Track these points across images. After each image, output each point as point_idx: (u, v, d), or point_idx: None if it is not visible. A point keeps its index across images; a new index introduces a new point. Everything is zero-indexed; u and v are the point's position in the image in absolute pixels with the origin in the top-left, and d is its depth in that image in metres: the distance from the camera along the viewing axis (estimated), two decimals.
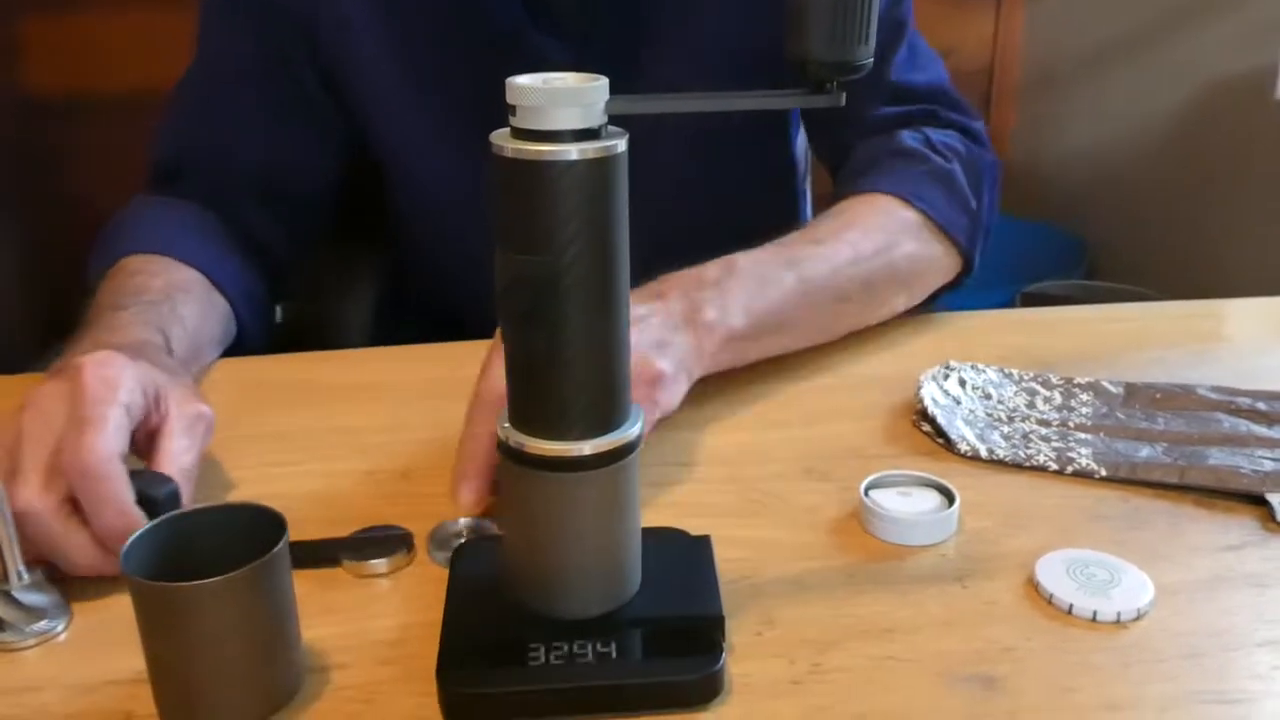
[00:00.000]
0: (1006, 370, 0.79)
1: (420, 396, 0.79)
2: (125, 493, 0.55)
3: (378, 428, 0.74)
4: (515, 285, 0.48)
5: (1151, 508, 0.64)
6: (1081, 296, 2.04)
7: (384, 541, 0.61)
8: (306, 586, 0.58)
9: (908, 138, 0.90)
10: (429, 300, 1.05)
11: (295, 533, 0.50)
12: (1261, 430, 0.70)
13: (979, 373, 0.78)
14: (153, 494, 0.57)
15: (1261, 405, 0.73)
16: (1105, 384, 0.77)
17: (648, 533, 0.54)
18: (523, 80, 0.46)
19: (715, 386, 0.77)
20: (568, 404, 0.49)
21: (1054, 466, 0.68)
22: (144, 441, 0.61)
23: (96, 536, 0.56)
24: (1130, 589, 0.56)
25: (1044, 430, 0.72)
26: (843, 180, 0.93)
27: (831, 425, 0.74)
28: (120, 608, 0.49)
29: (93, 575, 0.57)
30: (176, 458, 0.60)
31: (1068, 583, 0.56)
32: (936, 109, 0.93)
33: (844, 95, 0.50)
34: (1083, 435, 0.71)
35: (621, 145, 0.47)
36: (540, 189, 0.46)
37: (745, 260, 0.77)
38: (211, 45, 0.93)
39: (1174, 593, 0.57)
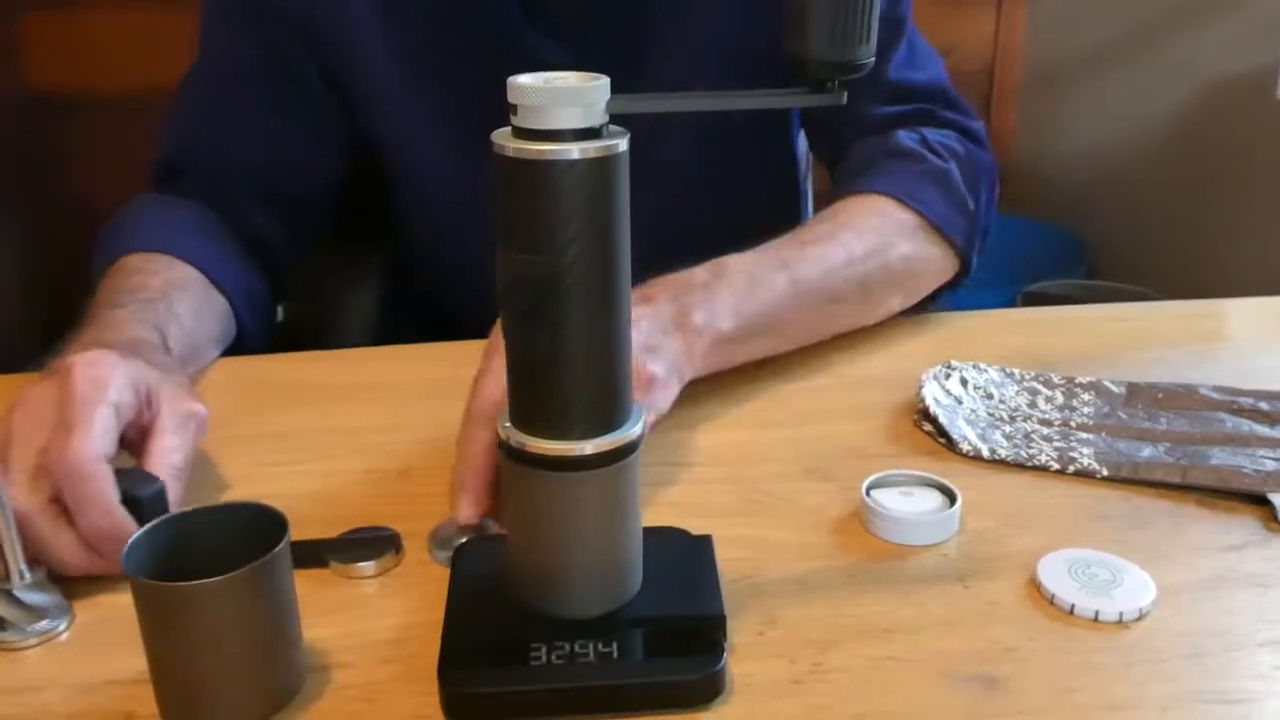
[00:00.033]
0: (1008, 370, 0.79)
1: (420, 396, 0.79)
2: (110, 493, 0.55)
3: (377, 427, 0.74)
4: (516, 284, 0.48)
5: (1153, 508, 0.64)
6: (1082, 296, 2.04)
7: (372, 543, 0.60)
8: (308, 586, 0.58)
9: (904, 138, 0.90)
10: (430, 300, 1.05)
11: (295, 532, 0.50)
12: (1264, 430, 0.70)
13: (981, 372, 0.78)
14: (138, 494, 0.57)
15: (1264, 405, 0.73)
16: (1107, 384, 0.77)
17: (649, 532, 0.54)
18: (524, 79, 0.46)
19: (717, 386, 0.77)
20: (569, 403, 0.49)
21: (1056, 466, 0.68)
22: (136, 439, 0.61)
23: (82, 537, 0.56)
24: (1132, 589, 0.56)
25: (1046, 430, 0.72)
26: (839, 181, 0.93)
27: (833, 425, 0.74)
28: (122, 607, 0.49)
29: (80, 575, 0.57)
30: (167, 456, 0.60)
31: (1069, 583, 0.56)
32: (934, 108, 0.93)
33: (845, 94, 0.50)
34: (1085, 435, 0.71)
35: (623, 145, 0.47)
36: (541, 188, 0.46)
37: (735, 263, 0.76)
38: (212, 46, 0.93)
39: (1176, 593, 0.56)
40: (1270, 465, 0.66)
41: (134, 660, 0.49)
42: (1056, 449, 0.69)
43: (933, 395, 0.73)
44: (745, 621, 0.55)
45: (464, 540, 0.60)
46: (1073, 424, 0.72)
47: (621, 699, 0.49)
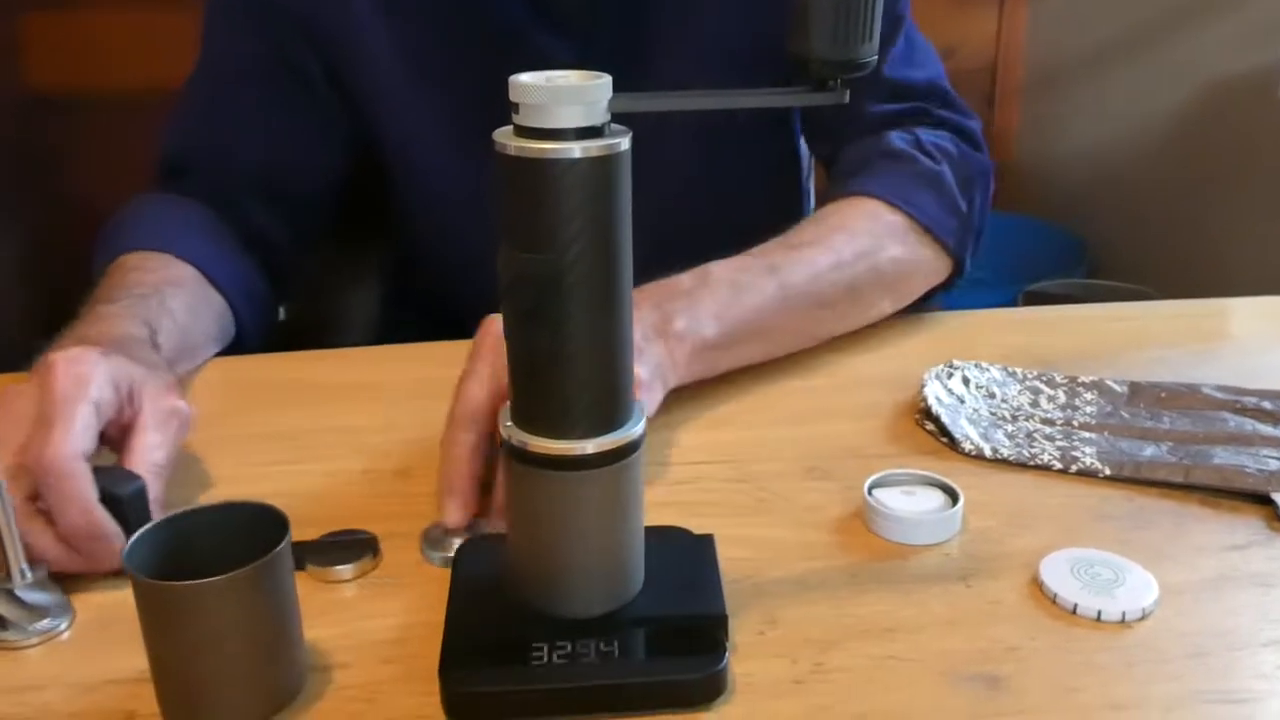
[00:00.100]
0: (1010, 369, 0.79)
1: (420, 396, 0.78)
2: (88, 491, 0.55)
3: (376, 427, 0.74)
4: (518, 283, 0.48)
5: (1156, 507, 0.64)
6: (1083, 295, 2.04)
7: (350, 546, 0.60)
8: (309, 585, 0.58)
9: (896, 139, 0.89)
10: (432, 298, 1.05)
11: (293, 532, 0.50)
12: (1267, 429, 0.70)
13: (983, 371, 0.78)
14: (118, 492, 0.57)
15: (1267, 404, 0.73)
16: (1109, 383, 0.76)
17: (650, 532, 0.54)
18: (526, 78, 0.46)
19: (718, 386, 0.77)
20: (570, 402, 0.49)
21: (1058, 466, 0.68)
22: (118, 437, 0.61)
23: (61, 535, 0.56)
24: (1135, 588, 0.56)
25: (1048, 429, 0.72)
26: (832, 181, 0.93)
27: (835, 424, 0.74)
28: (123, 607, 0.49)
29: (59, 572, 0.57)
30: (148, 453, 0.60)
31: (1072, 582, 0.56)
32: (930, 107, 0.93)
33: (847, 93, 0.50)
34: (1087, 434, 0.71)
35: (625, 143, 0.47)
36: (543, 187, 0.46)
37: (721, 269, 0.76)
38: (214, 45, 0.93)
39: (1179, 592, 0.56)
40: (1274, 465, 0.66)
41: (135, 659, 0.49)
42: (1059, 448, 0.69)
43: (935, 394, 0.73)
44: (747, 621, 0.55)
45: (454, 538, 0.60)
46: (1075, 423, 0.72)
47: (623, 699, 0.49)
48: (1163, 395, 0.75)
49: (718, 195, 0.96)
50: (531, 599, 0.53)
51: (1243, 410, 0.73)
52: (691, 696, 0.50)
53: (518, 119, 0.46)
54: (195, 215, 0.89)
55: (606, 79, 0.46)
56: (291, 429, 0.75)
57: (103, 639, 0.55)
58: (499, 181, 0.47)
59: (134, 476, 0.58)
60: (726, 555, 0.57)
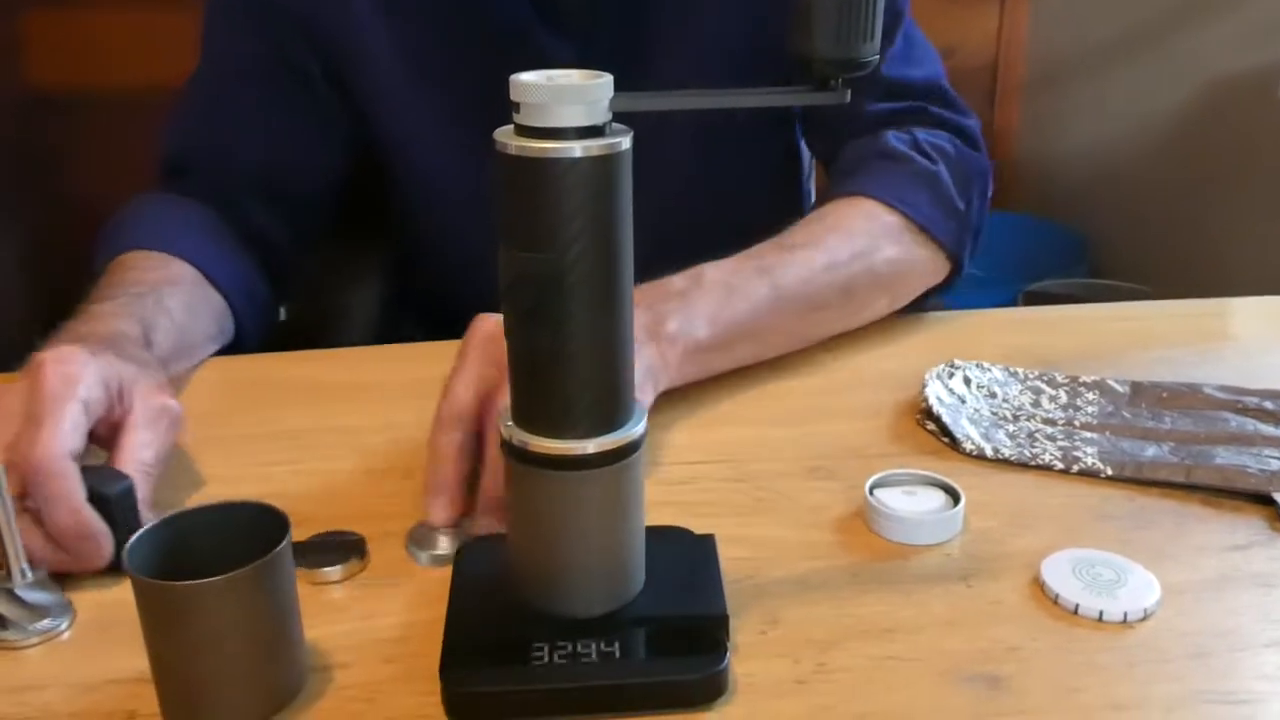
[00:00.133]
0: (1011, 369, 0.78)
1: (420, 396, 0.78)
2: (75, 490, 0.55)
3: (376, 427, 0.74)
4: (519, 283, 0.47)
5: (1158, 507, 0.64)
6: (1084, 295, 2.04)
7: (337, 547, 0.60)
8: (307, 586, 0.58)
9: (893, 139, 0.89)
10: (433, 298, 1.05)
11: (298, 531, 0.50)
12: (1269, 429, 0.70)
13: (984, 371, 0.78)
14: (105, 491, 0.57)
15: (1269, 404, 0.73)
16: (1111, 383, 0.76)
17: (651, 531, 0.54)
18: (527, 77, 0.45)
19: (719, 386, 0.77)
20: (571, 402, 0.49)
21: (1060, 466, 0.67)
22: (108, 435, 0.61)
23: (49, 534, 0.56)
24: (1136, 589, 0.56)
25: (1049, 429, 0.71)
26: (829, 181, 0.93)
27: (836, 424, 0.74)
28: (123, 606, 0.49)
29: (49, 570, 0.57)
30: (137, 451, 0.60)
31: (1073, 582, 0.56)
32: (928, 106, 0.92)
33: (849, 92, 0.50)
34: (1088, 434, 0.71)
35: (626, 142, 0.47)
36: (544, 186, 0.46)
37: (714, 270, 0.76)
38: (215, 45, 0.93)
39: (1180, 593, 0.56)
40: (1275, 465, 0.66)
41: (135, 659, 0.49)
42: (1060, 448, 0.69)
43: (936, 394, 0.73)
44: (748, 621, 0.55)
45: (440, 537, 0.60)
46: (1077, 423, 0.72)
47: (624, 699, 0.49)
48: (1164, 395, 0.75)
49: (718, 194, 0.96)
50: (532, 599, 0.53)
51: (1244, 410, 0.72)
52: (692, 696, 0.50)
53: (518, 118, 0.46)
54: (195, 215, 0.89)
55: (608, 78, 0.46)
56: (291, 429, 0.75)
57: (103, 639, 0.55)
58: (499, 181, 0.47)
59: (122, 476, 0.58)
60: (727, 555, 0.57)
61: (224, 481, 0.68)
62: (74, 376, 0.59)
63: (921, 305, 0.89)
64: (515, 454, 0.50)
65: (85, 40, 2.05)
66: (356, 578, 0.59)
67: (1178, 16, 2.09)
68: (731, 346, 0.76)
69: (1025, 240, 2.15)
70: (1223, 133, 2.04)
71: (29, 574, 0.55)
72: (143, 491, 0.59)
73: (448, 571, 0.56)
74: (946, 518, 0.61)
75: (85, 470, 0.57)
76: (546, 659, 0.50)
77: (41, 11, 2.05)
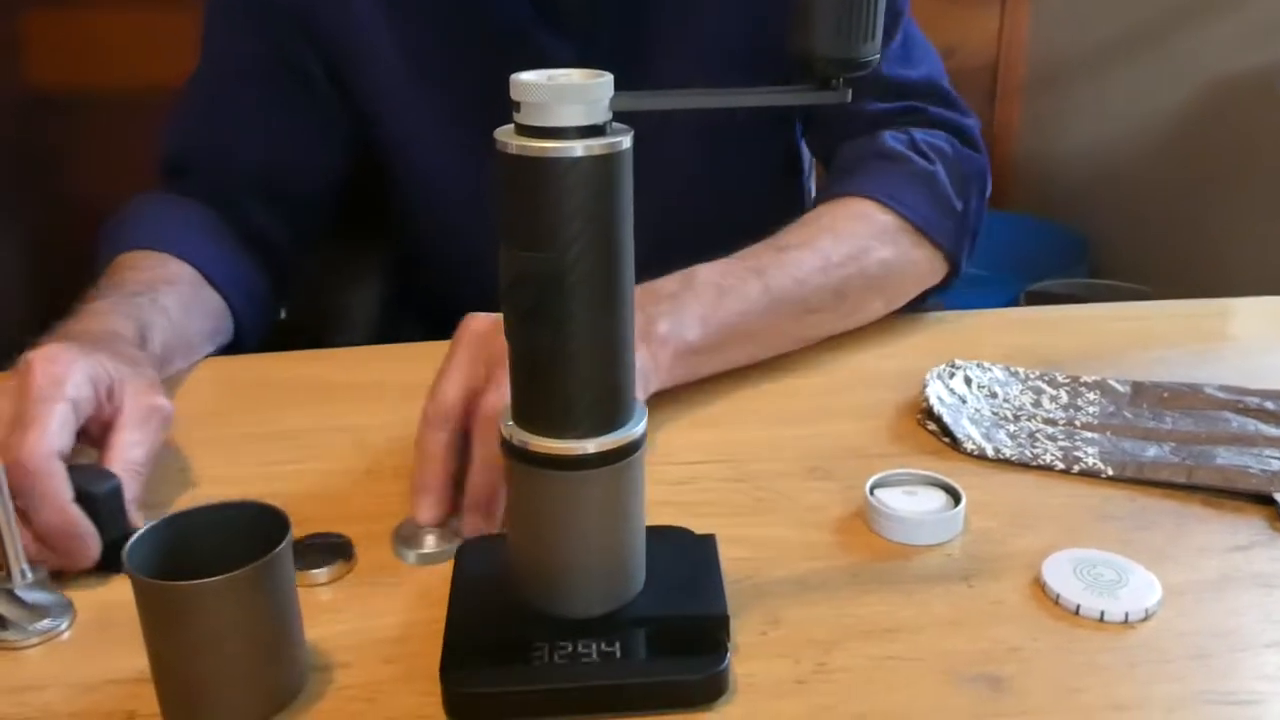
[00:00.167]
0: (1012, 369, 0.78)
1: (420, 395, 0.78)
2: (62, 490, 0.56)
3: (376, 427, 0.74)
4: (520, 282, 0.47)
5: (1159, 507, 0.64)
6: (1084, 295, 2.04)
7: (324, 549, 0.60)
8: (307, 585, 0.57)
9: (890, 139, 0.89)
10: (433, 297, 1.04)
11: (295, 532, 0.50)
12: (1270, 430, 0.70)
13: (985, 371, 0.78)
14: (93, 490, 0.57)
15: (1270, 405, 0.72)
16: (1112, 383, 0.76)
17: (652, 531, 0.54)
18: (527, 77, 0.45)
19: (719, 386, 0.77)
20: (572, 402, 0.49)
21: (1060, 466, 0.67)
22: (99, 433, 0.61)
23: (37, 534, 0.56)
24: (1137, 589, 0.56)
25: (1050, 429, 0.71)
26: (827, 181, 0.92)
27: (836, 424, 0.73)
28: (123, 606, 0.49)
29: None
30: (127, 451, 0.60)
31: (1074, 583, 0.56)
32: (926, 106, 0.92)
33: (850, 92, 0.50)
34: (1089, 434, 0.71)
35: (626, 142, 0.47)
36: (545, 186, 0.46)
37: (706, 272, 0.76)
38: (215, 44, 0.93)
39: (1181, 593, 0.56)
40: (1276, 465, 0.66)
41: (135, 659, 0.49)
42: (1061, 448, 0.69)
43: (937, 394, 0.73)
44: (748, 621, 0.55)
45: (426, 536, 0.60)
46: (1078, 423, 0.72)
47: (624, 699, 0.49)
48: (1165, 395, 0.75)
49: (719, 194, 0.96)
50: (532, 599, 0.52)
51: (1245, 410, 0.72)
52: (693, 697, 0.49)
53: (519, 117, 0.46)
54: (195, 215, 0.89)
55: (608, 77, 0.46)
56: (291, 429, 0.75)
57: (103, 639, 0.54)
58: (500, 180, 0.47)
59: (109, 475, 0.58)
60: (728, 555, 0.57)
61: (224, 481, 0.68)
62: (62, 376, 0.59)
63: (920, 305, 0.89)
64: (516, 454, 0.50)
65: (85, 40, 2.05)
66: (346, 578, 0.59)
67: (1178, 16, 2.09)
68: (723, 348, 0.75)
69: (1026, 240, 2.15)
70: (1223, 133, 2.04)
71: (29, 574, 0.55)
72: (132, 491, 0.59)
73: (447, 571, 0.56)
74: (947, 518, 0.61)
75: (73, 469, 0.57)
76: (547, 659, 0.50)
77: (41, 11, 2.05)
